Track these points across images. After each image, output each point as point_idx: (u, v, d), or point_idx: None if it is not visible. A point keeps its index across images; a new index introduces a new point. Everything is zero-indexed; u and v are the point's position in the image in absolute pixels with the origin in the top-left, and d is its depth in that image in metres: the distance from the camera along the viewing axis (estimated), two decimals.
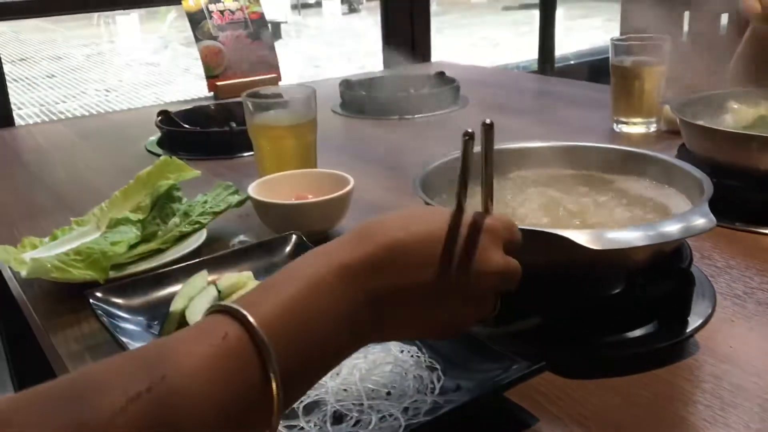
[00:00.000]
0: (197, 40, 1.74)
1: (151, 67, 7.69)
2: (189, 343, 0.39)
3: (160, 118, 1.40)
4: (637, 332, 0.64)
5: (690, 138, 0.98)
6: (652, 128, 1.28)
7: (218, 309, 0.42)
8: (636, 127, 1.28)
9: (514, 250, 0.52)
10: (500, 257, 0.50)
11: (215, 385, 0.38)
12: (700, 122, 0.96)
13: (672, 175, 0.75)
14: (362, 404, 0.53)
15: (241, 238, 0.89)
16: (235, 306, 0.41)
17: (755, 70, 1.22)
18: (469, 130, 0.49)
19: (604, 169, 0.80)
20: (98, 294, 0.70)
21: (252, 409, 0.39)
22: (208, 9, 1.76)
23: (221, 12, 1.77)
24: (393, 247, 0.45)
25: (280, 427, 0.52)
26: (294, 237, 0.81)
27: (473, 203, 0.51)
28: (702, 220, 0.61)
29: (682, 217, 0.62)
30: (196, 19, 1.75)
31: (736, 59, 1.32)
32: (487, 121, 0.50)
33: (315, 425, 0.52)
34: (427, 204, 0.70)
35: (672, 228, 0.60)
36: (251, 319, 0.40)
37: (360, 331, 0.45)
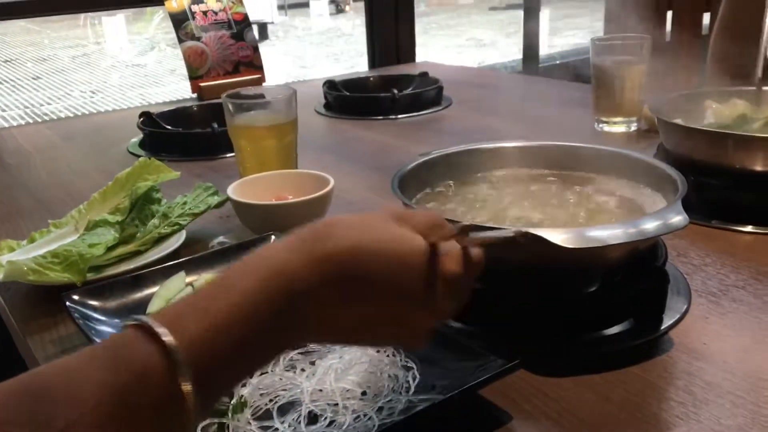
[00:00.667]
0: (180, 41, 1.74)
1: (137, 68, 7.66)
2: (101, 377, 0.36)
3: (142, 119, 1.39)
4: (613, 330, 0.64)
5: (667, 136, 0.98)
6: (633, 127, 1.29)
7: (138, 324, 0.39)
8: (617, 126, 1.29)
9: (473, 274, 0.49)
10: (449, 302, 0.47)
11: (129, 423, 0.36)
12: (676, 121, 0.96)
13: (647, 174, 0.76)
14: (337, 404, 0.54)
15: (221, 239, 0.89)
16: (157, 329, 0.38)
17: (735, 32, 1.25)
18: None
19: (581, 168, 0.81)
20: (75, 296, 0.69)
21: (160, 416, 0.37)
22: (191, 10, 1.75)
23: (204, 13, 1.76)
24: (348, 257, 0.42)
25: (254, 428, 0.52)
26: (274, 238, 0.81)
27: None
28: (677, 218, 0.61)
29: (657, 215, 0.63)
30: (179, 20, 1.74)
31: (719, 23, 1.36)
32: (525, 232, 0.51)
33: (290, 426, 0.52)
34: (405, 204, 0.70)
35: (646, 226, 0.61)
36: (174, 345, 0.37)
37: (292, 342, 0.44)
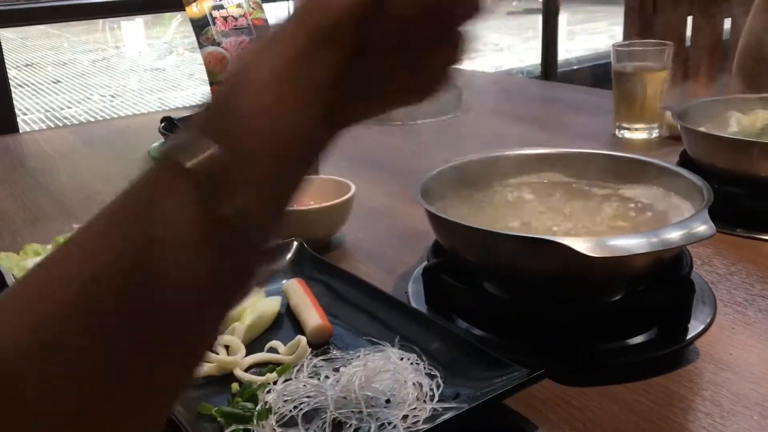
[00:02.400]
0: (201, 46, 1.75)
1: (156, 73, 7.71)
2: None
3: (163, 124, 1.40)
4: (637, 339, 0.64)
5: (691, 144, 0.98)
6: (654, 134, 1.28)
7: (169, 159, 0.35)
8: (638, 133, 1.28)
9: None
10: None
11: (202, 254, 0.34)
12: (701, 129, 0.96)
13: (672, 182, 0.75)
14: (361, 412, 0.54)
15: None
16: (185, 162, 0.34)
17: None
18: None
19: (604, 176, 0.80)
20: None
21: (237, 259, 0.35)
22: (211, 15, 1.76)
23: (225, 18, 1.77)
24: (344, 12, 0.38)
25: None
26: (295, 244, 0.81)
27: None
28: (702, 227, 0.61)
29: (683, 224, 0.62)
30: (199, 26, 1.75)
31: (744, 41, 1.35)
32: None
33: None
34: (428, 211, 0.70)
35: (672, 235, 0.60)
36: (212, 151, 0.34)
37: (331, 116, 0.39)
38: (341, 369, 0.59)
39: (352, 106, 0.41)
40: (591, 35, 7.94)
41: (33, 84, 7.12)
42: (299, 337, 0.64)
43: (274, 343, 0.65)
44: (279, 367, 0.61)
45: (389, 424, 0.53)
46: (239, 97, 0.37)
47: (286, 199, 0.38)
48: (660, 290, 0.66)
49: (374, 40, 0.40)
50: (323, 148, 0.41)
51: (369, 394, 0.55)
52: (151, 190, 0.35)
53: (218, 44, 1.76)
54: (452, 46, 0.43)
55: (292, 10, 0.40)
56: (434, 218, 0.70)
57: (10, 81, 1.66)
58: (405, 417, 0.53)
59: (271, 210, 0.37)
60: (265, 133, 0.36)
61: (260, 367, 0.63)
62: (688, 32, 2.17)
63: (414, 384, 0.57)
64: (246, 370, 0.62)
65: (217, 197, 0.34)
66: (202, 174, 0.34)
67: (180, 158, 0.34)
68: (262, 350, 0.65)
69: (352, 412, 0.54)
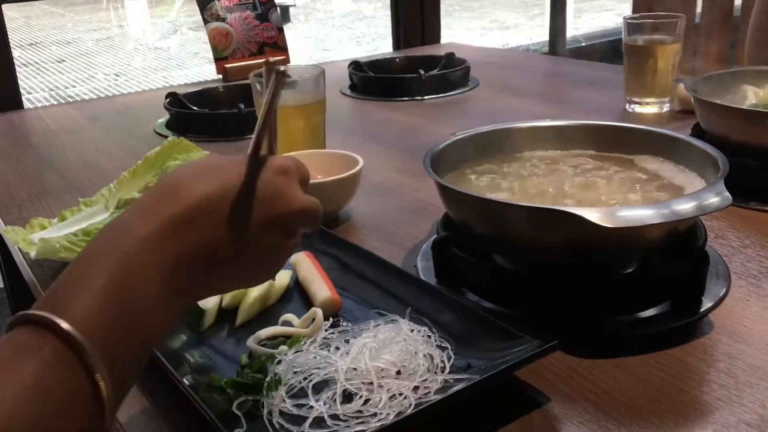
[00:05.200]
0: (205, 22, 1.73)
1: (160, 52, 7.68)
2: (5, 370, 0.35)
3: (168, 100, 1.39)
4: (651, 312, 0.63)
5: (704, 117, 0.96)
6: (665, 108, 1.26)
7: (24, 319, 0.37)
8: (649, 107, 1.26)
9: (306, 186, 0.52)
10: (300, 195, 0.50)
11: (43, 408, 0.34)
12: (717, 101, 0.94)
13: (687, 154, 0.74)
14: (372, 383, 0.53)
15: None
16: (43, 314, 0.37)
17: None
18: (281, 68, 0.50)
19: (619, 147, 0.79)
20: None
21: (83, 418, 0.36)
22: None
23: None
24: (196, 204, 0.44)
25: (289, 406, 0.52)
26: None
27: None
28: (717, 198, 0.60)
29: (697, 195, 0.61)
30: (204, 1, 1.74)
31: (752, 27, 1.33)
32: (281, 68, 0.51)
33: (324, 404, 0.52)
34: (438, 183, 0.69)
35: (686, 206, 0.59)
36: (64, 326, 0.36)
37: (178, 298, 0.43)
38: (351, 340, 0.58)
39: (200, 291, 0.46)
40: (599, 13, 7.87)
41: (37, 63, 7.10)
42: (315, 309, 0.63)
43: (288, 316, 0.64)
44: (290, 339, 0.60)
45: (400, 395, 0.52)
46: (91, 276, 0.40)
47: (130, 368, 0.41)
48: (674, 262, 0.65)
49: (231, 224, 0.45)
50: (167, 324, 0.44)
51: (379, 365, 0.54)
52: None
53: (223, 19, 1.74)
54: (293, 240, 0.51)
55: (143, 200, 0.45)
56: (444, 190, 0.69)
57: (14, 60, 1.65)
58: (416, 388, 0.53)
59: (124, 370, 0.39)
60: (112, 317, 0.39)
61: (269, 340, 0.62)
62: (698, 9, 2.14)
63: (425, 355, 0.56)
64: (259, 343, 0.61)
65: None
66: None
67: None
68: (271, 324, 0.64)
69: (363, 383, 0.53)
